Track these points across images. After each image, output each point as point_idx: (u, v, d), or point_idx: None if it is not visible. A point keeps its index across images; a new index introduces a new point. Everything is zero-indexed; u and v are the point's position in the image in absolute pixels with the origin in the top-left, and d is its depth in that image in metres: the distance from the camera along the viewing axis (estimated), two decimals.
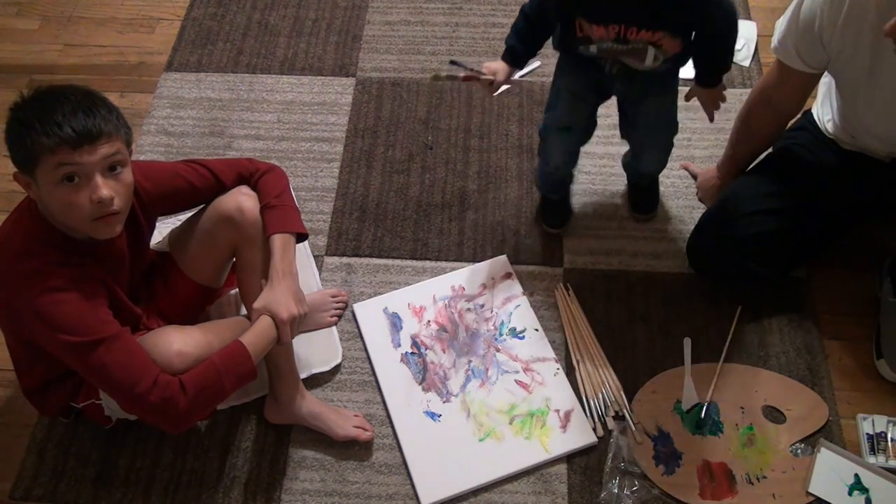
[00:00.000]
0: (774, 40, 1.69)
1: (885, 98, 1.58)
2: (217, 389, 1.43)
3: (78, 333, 1.33)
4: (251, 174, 1.62)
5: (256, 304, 1.50)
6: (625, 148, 2.16)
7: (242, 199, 1.57)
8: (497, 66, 1.65)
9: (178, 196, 1.57)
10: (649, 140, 1.85)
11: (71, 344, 1.33)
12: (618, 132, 2.19)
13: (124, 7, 2.57)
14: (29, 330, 1.37)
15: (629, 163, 2.01)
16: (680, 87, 1.76)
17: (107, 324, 1.38)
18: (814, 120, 1.84)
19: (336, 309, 1.87)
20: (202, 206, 1.63)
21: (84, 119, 1.27)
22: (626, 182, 2.09)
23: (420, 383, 1.77)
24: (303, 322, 1.52)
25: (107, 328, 1.37)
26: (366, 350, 1.83)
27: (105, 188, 1.30)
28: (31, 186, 1.33)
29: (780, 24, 1.65)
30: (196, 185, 1.58)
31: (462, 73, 1.62)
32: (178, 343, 1.43)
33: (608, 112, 2.21)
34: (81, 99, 1.30)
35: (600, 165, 2.13)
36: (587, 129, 1.86)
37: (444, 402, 1.74)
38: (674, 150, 2.14)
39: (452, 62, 1.68)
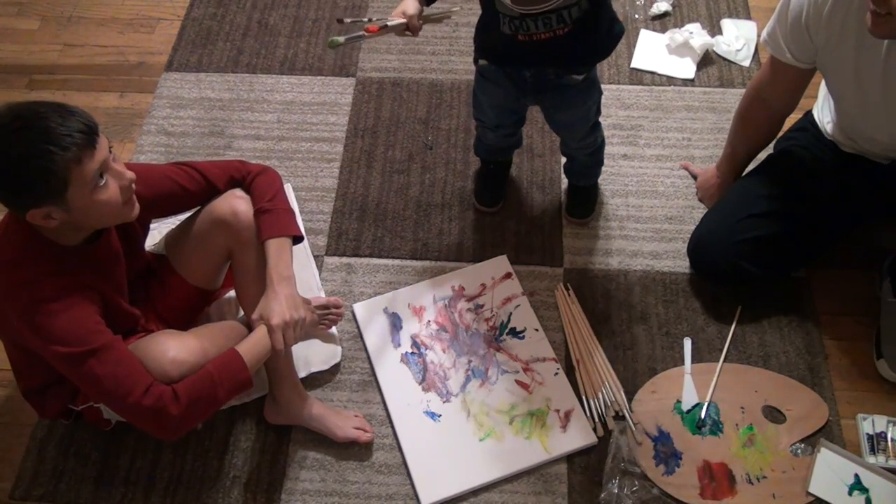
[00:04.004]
0: (764, 33, 1.70)
1: (872, 98, 1.58)
2: (211, 399, 1.42)
3: (69, 344, 1.32)
4: (243, 177, 1.60)
5: (254, 315, 1.49)
6: (623, 149, 2.17)
7: (236, 203, 1.56)
8: (405, 5, 1.57)
9: (169, 199, 1.56)
10: (567, 134, 1.89)
11: (62, 354, 1.33)
12: (616, 132, 2.20)
13: (124, 7, 2.57)
14: (22, 338, 1.37)
15: (565, 165, 2.03)
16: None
17: (98, 333, 1.36)
18: (814, 121, 1.84)
19: (326, 321, 1.83)
20: (196, 209, 1.63)
21: (75, 121, 1.25)
22: (623, 183, 2.10)
23: (420, 383, 1.77)
24: (302, 326, 1.49)
25: (98, 338, 1.35)
26: (366, 350, 1.83)
27: (125, 169, 1.34)
28: (52, 214, 1.28)
29: (771, 18, 1.66)
30: (187, 187, 1.56)
31: (362, 30, 1.52)
32: (173, 350, 1.42)
33: (607, 112, 2.22)
34: (52, 108, 1.25)
35: None
36: (518, 121, 1.89)
37: (444, 402, 1.74)
38: (674, 149, 2.16)
39: (340, 20, 1.55)
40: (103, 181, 1.30)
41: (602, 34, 1.58)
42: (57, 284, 1.34)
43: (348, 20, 1.53)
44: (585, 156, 1.93)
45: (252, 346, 1.47)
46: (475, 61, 1.72)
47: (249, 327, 1.56)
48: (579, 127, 1.81)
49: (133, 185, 1.36)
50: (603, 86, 2.26)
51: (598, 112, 1.82)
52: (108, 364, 1.34)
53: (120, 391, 1.34)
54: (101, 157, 1.28)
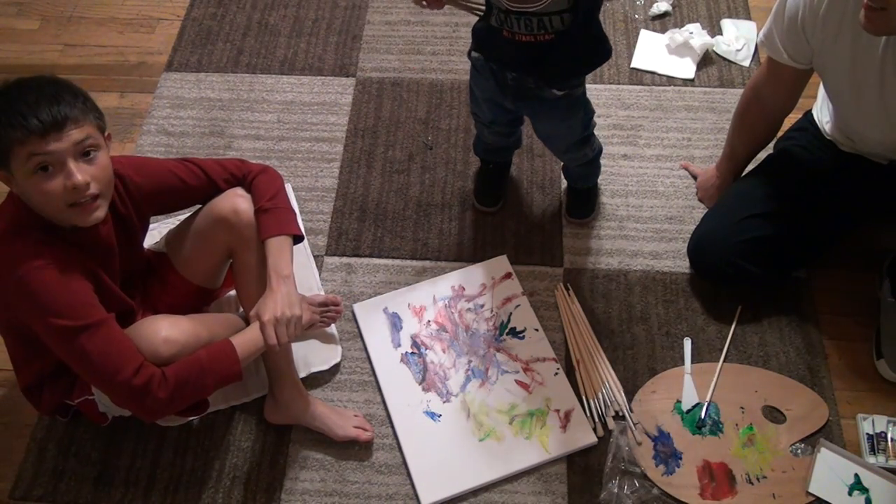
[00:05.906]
0: (761, 34, 1.70)
1: (868, 97, 1.58)
2: (199, 386, 1.43)
3: (63, 316, 1.33)
4: (244, 175, 1.61)
5: (252, 311, 1.49)
6: (623, 149, 2.17)
7: (238, 201, 1.57)
8: None
9: (170, 193, 1.56)
10: (549, 145, 1.90)
11: (57, 327, 1.33)
12: (616, 132, 2.20)
13: (124, 7, 2.57)
14: (17, 311, 1.38)
15: (563, 167, 2.04)
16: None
17: (93, 307, 1.37)
18: (814, 120, 1.84)
19: (325, 318, 1.83)
20: (197, 207, 1.63)
21: (48, 107, 1.28)
22: (623, 183, 2.09)
23: (420, 383, 1.77)
24: (297, 324, 1.49)
25: (92, 313, 1.36)
26: (366, 350, 1.83)
27: (79, 173, 1.31)
28: (10, 181, 1.33)
29: (768, 19, 1.66)
30: (189, 182, 1.57)
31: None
32: (166, 330, 1.43)
33: (607, 112, 2.23)
34: (45, 88, 1.30)
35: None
36: (514, 120, 1.89)
37: (444, 402, 1.74)
38: (674, 149, 2.16)
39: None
40: (48, 171, 1.30)
41: (582, 50, 1.59)
42: (51, 254, 1.35)
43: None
44: (577, 166, 1.94)
45: (246, 340, 1.48)
46: (468, 53, 1.72)
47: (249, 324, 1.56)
48: (559, 141, 1.83)
49: (90, 191, 1.33)
50: (603, 86, 2.28)
51: (586, 129, 1.80)
52: (100, 342, 1.35)
53: (110, 369, 1.35)
54: (53, 149, 1.28)
